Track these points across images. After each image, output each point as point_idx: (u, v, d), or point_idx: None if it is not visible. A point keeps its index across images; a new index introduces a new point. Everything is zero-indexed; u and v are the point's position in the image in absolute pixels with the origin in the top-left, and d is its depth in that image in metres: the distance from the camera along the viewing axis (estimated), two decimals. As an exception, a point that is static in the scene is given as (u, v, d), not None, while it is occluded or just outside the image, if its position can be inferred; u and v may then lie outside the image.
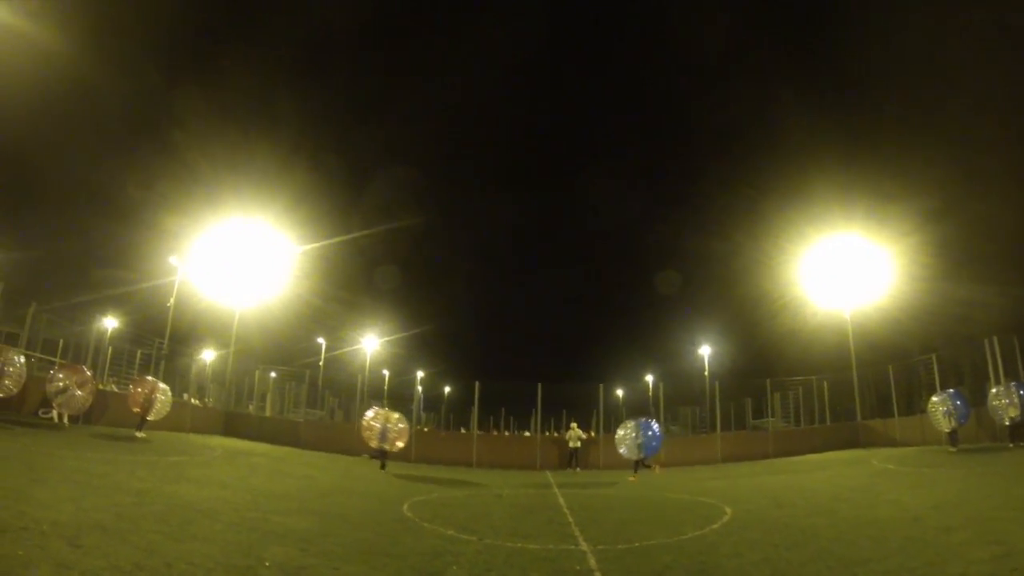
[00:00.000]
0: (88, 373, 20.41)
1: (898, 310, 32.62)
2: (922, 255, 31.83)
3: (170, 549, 6.09)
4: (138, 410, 19.60)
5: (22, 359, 18.42)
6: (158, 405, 20.11)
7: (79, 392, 19.19)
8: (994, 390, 18.62)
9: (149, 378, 21.45)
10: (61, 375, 19.47)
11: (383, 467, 19.00)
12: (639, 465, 19.82)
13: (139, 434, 18.50)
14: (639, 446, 19.74)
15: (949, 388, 20.71)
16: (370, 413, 20.61)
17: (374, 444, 19.27)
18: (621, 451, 20.33)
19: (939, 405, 19.55)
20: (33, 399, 19.76)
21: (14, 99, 29.83)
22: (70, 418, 19.54)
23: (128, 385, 22.30)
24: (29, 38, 25.79)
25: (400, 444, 19.80)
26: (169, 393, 21.09)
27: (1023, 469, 13.36)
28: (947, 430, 19.05)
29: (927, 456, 15.84)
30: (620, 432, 20.78)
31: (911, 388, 26.41)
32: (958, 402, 19.15)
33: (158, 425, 22.86)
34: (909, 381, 26.98)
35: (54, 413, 19.32)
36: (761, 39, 75.71)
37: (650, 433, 20.13)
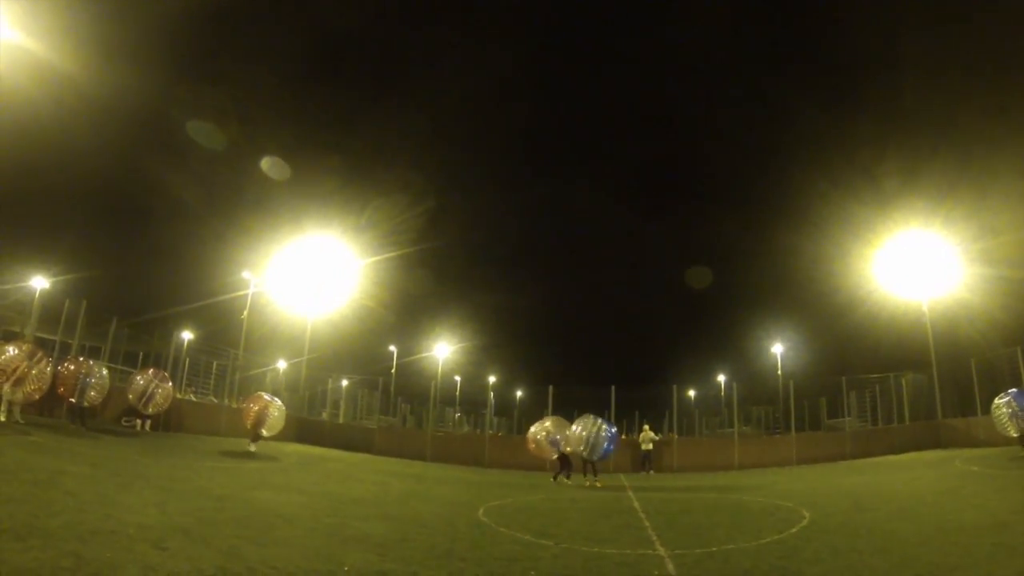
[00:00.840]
0: (164, 373, 21.58)
1: (979, 301, 31.18)
2: (1003, 243, 30.37)
3: (252, 553, 6.21)
4: (252, 425, 19.84)
5: (105, 371, 19.35)
6: (271, 420, 20.12)
7: (160, 389, 20.40)
8: (996, 400, 17.84)
9: (263, 395, 21.69)
10: (140, 378, 20.67)
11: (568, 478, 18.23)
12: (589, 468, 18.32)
13: (251, 448, 18.93)
14: (601, 443, 17.74)
15: (1012, 388, 18.79)
16: (541, 432, 19.65)
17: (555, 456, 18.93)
18: (581, 449, 17.98)
19: (1003, 407, 17.82)
20: (116, 408, 20.68)
21: (98, 120, 31.33)
22: (151, 426, 20.43)
23: (207, 396, 22.89)
24: (93, 62, 27.02)
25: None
26: (283, 409, 21.19)
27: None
28: (1015, 434, 17.40)
29: (1013, 457, 14.99)
30: (578, 428, 18.35)
31: (995, 384, 25.08)
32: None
33: (235, 431, 23.53)
34: (992, 376, 25.64)
35: (136, 422, 20.24)
36: (833, 28, 73.50)
37: (610, 434, 18.26)
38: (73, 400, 17.96)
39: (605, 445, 17.91)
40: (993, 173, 33.55)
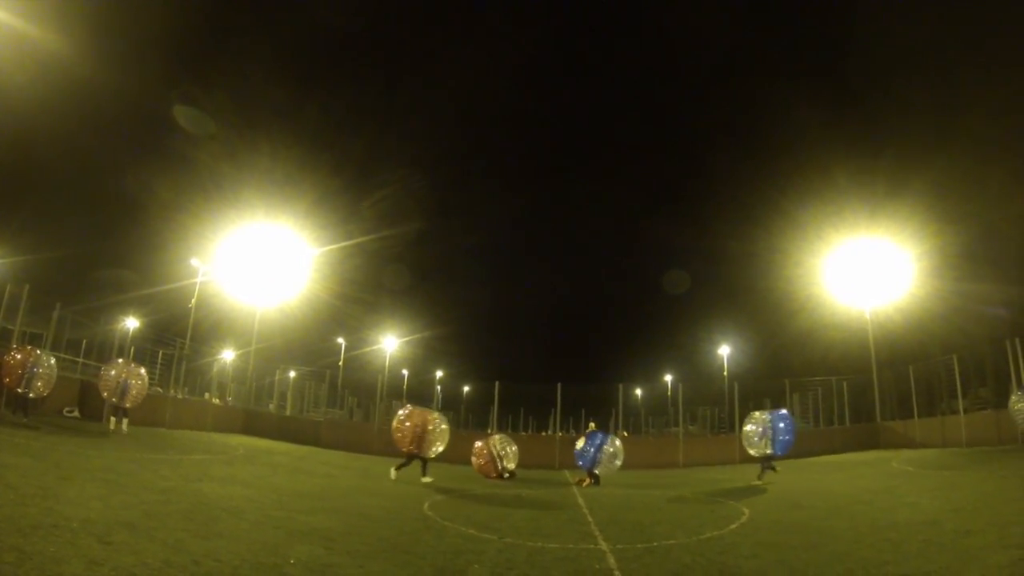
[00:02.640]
0: (134, 363, 20.48)
1: (919, 310, 32.48)
2: (944, 255, 31.60)
3: (197, 547, 6.20)
4: (410, 449, 16.47)
5: (53, 360, 18.18)
6: (433, 437, 16.69)
7: (135, 380, 19.21)
8: (1014, 396, 17.62)
9: (412, 408, 18.14)
10: (111, 370, 19.29)
11: (424, 474, 16.11)
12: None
13: (425, 479, 15.75)
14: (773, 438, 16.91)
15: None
16: (403, 412, 17.65)
17: (406, 448, 16.40)
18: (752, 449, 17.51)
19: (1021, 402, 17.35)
20: (59, 399, 19.95)
21: (37, 103, 30.41)
22: (127, 421, 18.85)
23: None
24: (51, 43, 26.24)
25: (439, 448, 17.02)
26: (446, 426, 17.64)
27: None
28: None
29: (947, 458, 15.71)
30: (750, 427, 17.71)
31: (931, 389, 26.16)
32: None
33: (180, 423, 23.19)
34: (929, 382, 26.73)
35: (111, 421, 18.86)
36: (779, 36, 75.17)
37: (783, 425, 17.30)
38: (20, 390, 16.89)
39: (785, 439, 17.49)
40: (934, 175, 34.84)
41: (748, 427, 17.76)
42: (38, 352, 17.90)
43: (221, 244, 35.33)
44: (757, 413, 18.25)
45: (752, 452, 17.49)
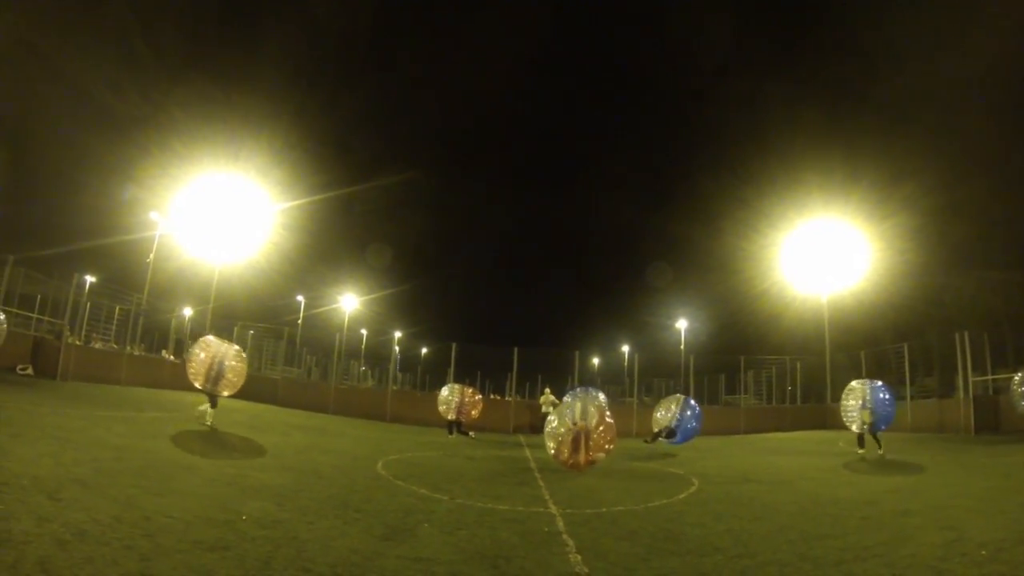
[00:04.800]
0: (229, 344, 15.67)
1: (874, 296, 33.38)
2: (899, 240, 32.40)
3: (149, 503, 6.25)
4: (454, 417, 19.97)
5: (3, 316, 17.73)
6: (230, 374, 14.70)
7: (231, 362, 14.57)
8: (1017, 377, 17.11)
9: (211, 339, 15.50)
10: (199, 351, 14.63)
11: (464, 434, 19.79)
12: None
13: (207, 420, 14.21)
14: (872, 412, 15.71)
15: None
16: (445, 391, 21.01)
17: (199, 385, 14.44)
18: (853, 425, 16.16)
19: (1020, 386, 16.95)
20: (9, 356, 19.61)
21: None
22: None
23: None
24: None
25: (474, 414, 20.61)
26: (244, 357, 15.61)
27: (984, 461, 13.70)
28: None
29: (890, 442, 16.24)
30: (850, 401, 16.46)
31: (882, 375, 26.95)
32: None
33: (136, 380, 22.97)
34: (881, 368, 27.54)
35: (205, 410, 14.52)
36: (735, 23, 75.17)
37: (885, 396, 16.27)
38: None
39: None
40: (896, 165, 35.62)
41: (849, 401, 16.36)
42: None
43: (181, 197, 34.59)
44: (856, 383, 16.77)
45: (854, 428, 15.97)
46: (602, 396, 18.95)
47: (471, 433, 20.16)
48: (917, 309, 34.23)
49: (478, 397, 21.25)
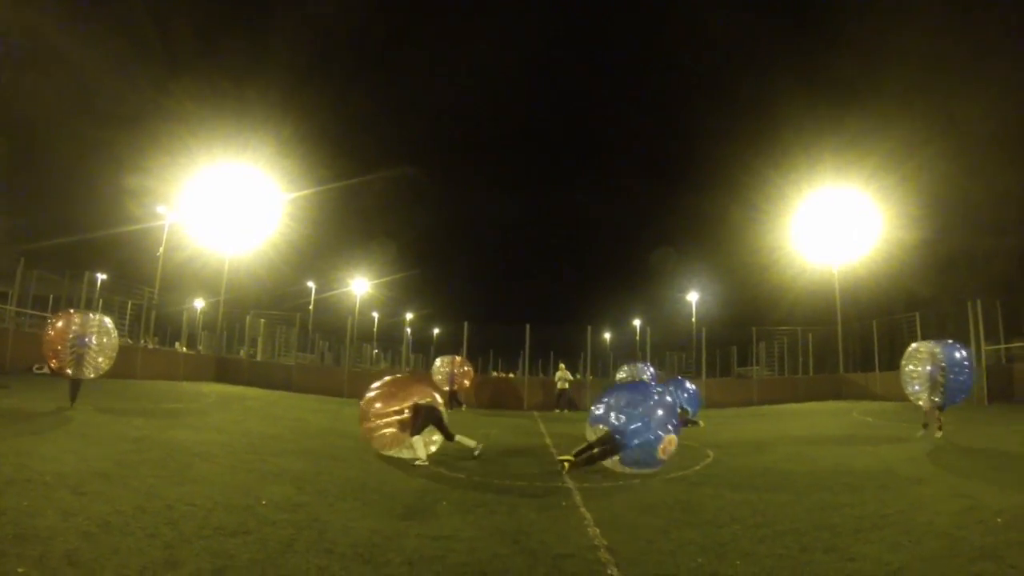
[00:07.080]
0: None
1: (886, 266, 33.22)
2: (911, 208, 32.19)
3: (170, 492, 6.32)
4: (448, 388, 21.66)
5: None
6: (465, 379, 22.78)
7: (460, 370, 22.74)
8: None
9: (451, 357, 23.34)
10: (445, 367, 22.68)
11: (458, 405, 21.96)
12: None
13: (464, 408, 20.36)
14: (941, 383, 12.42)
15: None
16: (437, 362, 23.17)
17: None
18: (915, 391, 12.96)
19: None
20: (29, 357, 19.90)
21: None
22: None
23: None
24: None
25: (467, 383, 22.95)
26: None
27: (998, 429, 13.71)
28: None
29: (905, 411, 16.18)
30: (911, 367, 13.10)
31: (893, 345, 26.85)
32: None
33: (151, 373, 23.17)
34: (892, 338, 27.43)
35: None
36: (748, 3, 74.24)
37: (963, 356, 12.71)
38: None
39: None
40: (901, 123, 35.31)
41: (909, 367, 13.17)
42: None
43: (189, 189, 34.72)
44: (921, 345, 13.37)
45: (920, 403, 12.99)
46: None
47: (463, 406, 22.02)
48: (929, 278, 34.11)
49: (467, 368, 23.18)
